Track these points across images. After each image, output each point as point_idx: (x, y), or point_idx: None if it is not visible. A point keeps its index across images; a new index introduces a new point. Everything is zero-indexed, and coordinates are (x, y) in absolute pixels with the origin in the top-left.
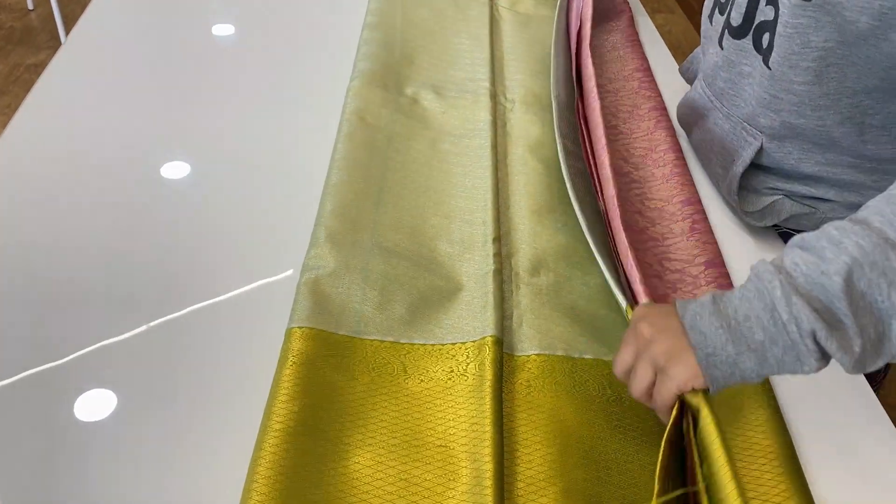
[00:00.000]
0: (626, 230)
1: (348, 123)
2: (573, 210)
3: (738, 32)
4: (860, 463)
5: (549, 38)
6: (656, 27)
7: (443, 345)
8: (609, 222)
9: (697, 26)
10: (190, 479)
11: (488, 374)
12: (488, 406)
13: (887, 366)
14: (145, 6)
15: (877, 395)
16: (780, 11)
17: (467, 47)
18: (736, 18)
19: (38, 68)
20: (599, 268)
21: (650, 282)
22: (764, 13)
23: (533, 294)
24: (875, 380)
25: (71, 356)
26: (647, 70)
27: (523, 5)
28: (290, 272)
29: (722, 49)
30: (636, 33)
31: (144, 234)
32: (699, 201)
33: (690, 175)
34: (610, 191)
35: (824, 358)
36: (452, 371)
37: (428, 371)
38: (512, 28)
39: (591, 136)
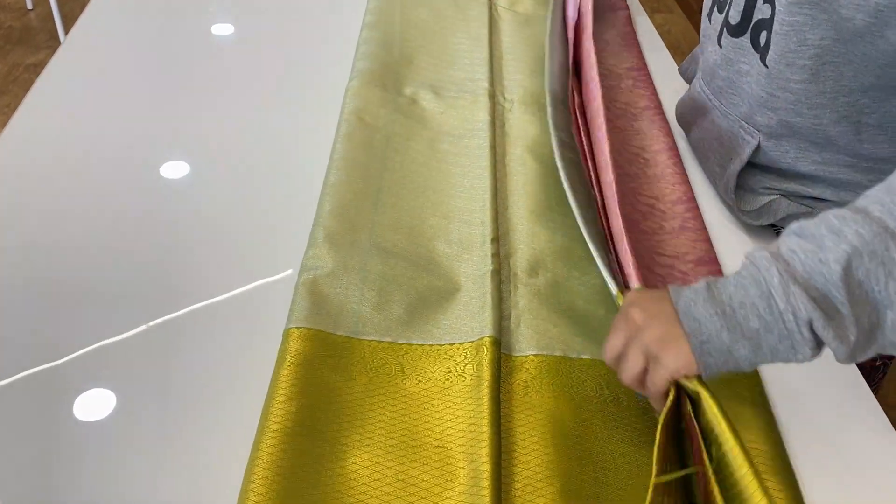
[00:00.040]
0: (622, 216)
1: (347, 123)
2: (571, 210)
3: (736, 30)
4: (858, 464)
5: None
6: (655, 27)
7: (441, 345)
8: (604, 208)
9: (697, 26)
10: (189, 478)
11: (486, 374)
12: (486, 407)
13: (885, 366)
14: (144, 6)
15: (875, 395)
16: (776, 9)
17: (466, 47)
18: (734, 16)
19: (37, 68)
20: (598, 268)
21: (641, 270)
22: (761, 11)
23: (531, 294)
24: (873, 379)
25: (70, 356)
26: (643, 69)
27: (522, 5)
28: (289, 272)
29: (720, 47)
30: (633, 31)
31: (144, 233)
32: (692, 199)
33: (685, 174)
34: (608, 176)
35: (818, 347)
36: (450, 371)
37: (426, 371)
38: (511, 28)
39: (589, 124)
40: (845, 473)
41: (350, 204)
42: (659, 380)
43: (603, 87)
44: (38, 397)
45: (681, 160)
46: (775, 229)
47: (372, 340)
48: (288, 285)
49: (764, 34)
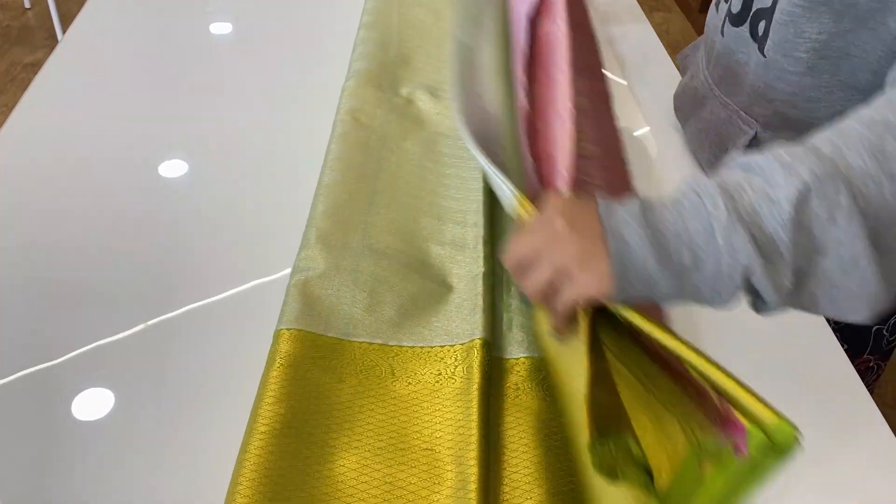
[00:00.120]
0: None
1: (342, 124)
2: None
3: (736, 19)
4: (857, 464)
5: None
6: (653, 26)
7: (431, 347)
8: (532, 117)
9: (695, 25)
10: (187, 477)
11: (476, 377)
12: (475, 409)
13: (879, 367)
14: (142, 5)
15: (872, 395)
16: None
17: None
18: (736, 6)
19: (35, 67)
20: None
21: (573, 180)
22: (762, 0)
23: (523, 297)
24: (867, 381)
25: (68, 355)
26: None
27: None
28: (289, 271)
29: (723, 37)
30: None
31: (142, 233)
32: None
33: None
34: (564, 86)
35: (737, 295)
36: (440, 374)
37: (416, 374)
38: None
39: (548, 59)
40: (844, 473)
41: (343, 205)
42: (567, 299)
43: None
44: (36, 397)
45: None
46: None
47: (363, 342)
48: (286, 285)
49: (763, 23)
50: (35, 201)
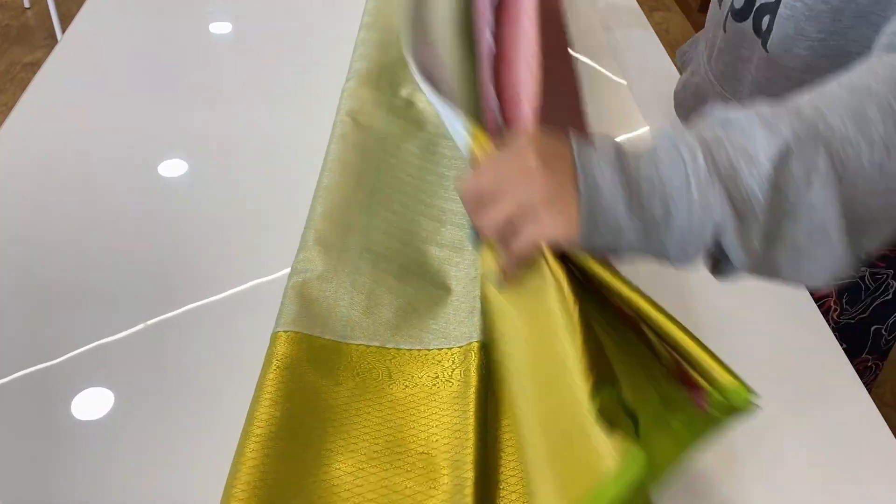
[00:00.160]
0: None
1: (342, 124)
2: None
3: (739, 15)
4: (855, 463)
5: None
6: (653, 25)
7: (429, 350)
8: (497, 56)
9: (695, 24)
10: (187, 476)
11: (473, 380)
12: (472, 413)
13: (877, 367)
14: (142, 4)
15: (870, 394)
16: None
17: None
18: (738, 1)
19: (35, 67)
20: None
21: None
22: None
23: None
24: (865, 380)
25: (68, 355)
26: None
27: None
28: (287, 271)
29: (725, 32)
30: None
31: (141, 232)
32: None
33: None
34: (527, 28)
35: (701, 255)
36: (437, 377)
37: (413, 377)
38: None
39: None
40: (843, 472)
41: (342, 206)
42: (527, 240)
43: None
44: (35, 396)
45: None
46: None
47: (360, 345)
48: (284, 286)
49: (766, 19)
50: (34, 201)
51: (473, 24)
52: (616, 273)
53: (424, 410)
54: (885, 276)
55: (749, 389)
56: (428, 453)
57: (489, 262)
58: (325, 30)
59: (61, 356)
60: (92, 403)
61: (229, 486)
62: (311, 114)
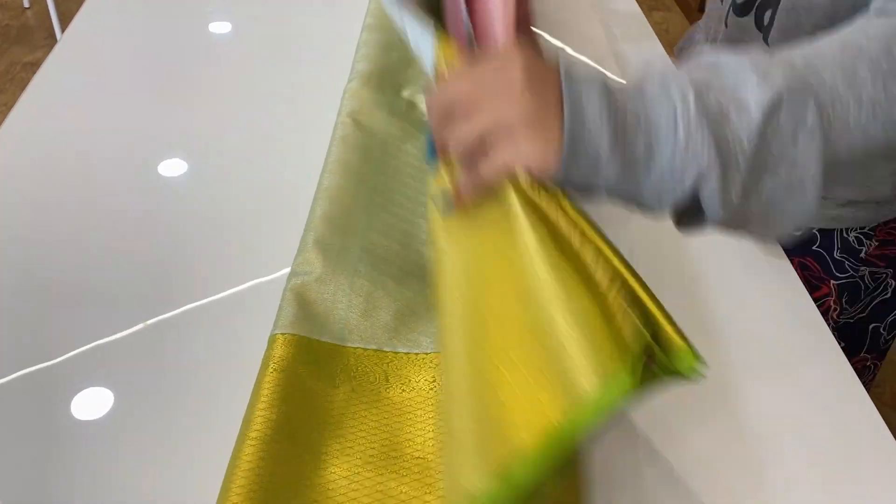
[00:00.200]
0: None
1: (343, 126)
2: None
3: (741, 10)
4: (854, 463)
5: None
6: (653, 25)
7: (426, 353)
8: None
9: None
10: (187, 476)
11: None
12: None
13: (875, 367)
14: (141, 4)
15: (868, 394)
16: None
17: None
18: None
19: (34, 66)
20: None
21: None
22: None
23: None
24: (863, 379)
25: (67, 355)
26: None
27: None
28: (287, 272)
29: (726, 27)
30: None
31: (141, 232)
32: None
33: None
34: None
35: (671, 205)
36: (435, 381)
37: (410, 380)
38: None
39: None
40: (842, 472)
41: (342, 208)
42: (499, 162)
43: None
44: (35, 396)
45: None
46: None
47: (357, 348)
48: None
49: (768, 13)
50: (34, 201)
51: None
52: (585, 216)
53: (421, 414)
54: (884, 275)
55: (697, 356)
56: (424, 458)
57: (442, 181)
58: (326, 30)
59: (61, 356)
60: (92, 403)
61: (225, 488)
62: (311, 114)
